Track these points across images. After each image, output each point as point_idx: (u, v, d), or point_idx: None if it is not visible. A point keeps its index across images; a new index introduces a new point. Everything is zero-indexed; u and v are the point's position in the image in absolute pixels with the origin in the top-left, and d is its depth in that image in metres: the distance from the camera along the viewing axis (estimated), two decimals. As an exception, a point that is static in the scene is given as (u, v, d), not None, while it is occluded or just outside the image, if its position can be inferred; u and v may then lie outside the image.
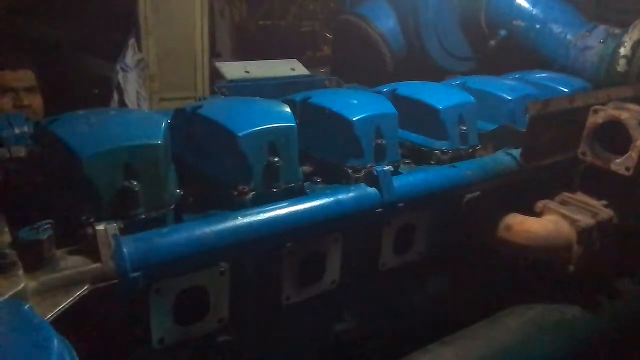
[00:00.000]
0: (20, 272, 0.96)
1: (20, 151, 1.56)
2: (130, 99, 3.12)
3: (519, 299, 1.94)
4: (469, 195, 1.88)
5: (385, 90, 2.07)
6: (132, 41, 3.32)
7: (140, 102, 3.20)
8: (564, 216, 1.88)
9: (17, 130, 1.69)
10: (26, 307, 0.81)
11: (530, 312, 1.91)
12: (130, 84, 3.13)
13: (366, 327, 1.82)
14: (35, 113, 2.58)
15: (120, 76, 3.14)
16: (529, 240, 1.83)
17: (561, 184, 2.01)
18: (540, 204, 1.94)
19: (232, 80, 2.42)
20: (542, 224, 1.88)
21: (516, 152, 1.92)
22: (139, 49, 3.38)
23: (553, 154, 1.96)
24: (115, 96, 3.12)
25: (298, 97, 1.83)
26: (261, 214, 1.37)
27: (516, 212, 1.89)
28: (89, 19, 3.77)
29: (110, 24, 3.75)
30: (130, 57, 3.22)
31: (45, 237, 1.04)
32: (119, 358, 1.36)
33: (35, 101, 2.59)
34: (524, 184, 1.97)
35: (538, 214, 1.93)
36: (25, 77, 2.60)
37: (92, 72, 3.65)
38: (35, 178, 1.39)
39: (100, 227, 1.12)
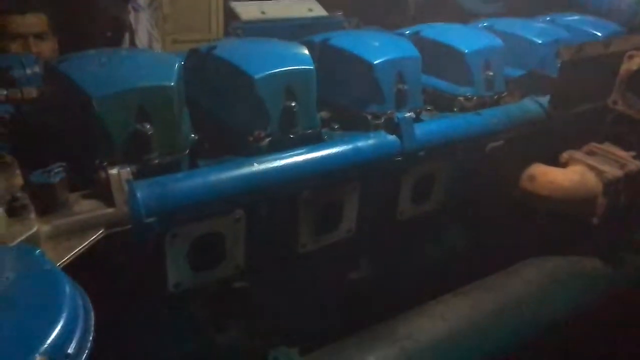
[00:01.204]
0: (33, 215, 0.94)
1: (32, 92, 1.52)
2: (141, 40, 3.02)
3: (539, 250, 1.91)
4: (492, 144, 1.82)
5: (407, 32, 1.97)
6: (144, -21, 3.19)
7: (152, 43, 3.11)
8: (590, 167, 1.82)
9: (28, 71, 1.64)
10: (37, 252, 0.79)
11: (548, 264, 1.88)
12: (142, 24, 3.03)
13: (382, 277, 1.81)
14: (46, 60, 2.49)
15: (131, 16, 3.03)
16: (553, 192, 1.78)
17: (589, 135, 1.93)
18: (565, 154, 1.88)
19: (247, 21, 2.33)
20: (567, 175, 1.82)
21: (544, 99, 1.84)
22: (152, -13, 3.26)
23: (583, 102, 1.88)
24: (127, 37, 3.02)
25: (317, 38, 1.75)
26: (277, 161, 1.33)
27: (540, 162, 1.83)
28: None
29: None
30: (142, -4, 3.10)
31: (57, 180, 1.01)
32: (134, 302, 1.37)
33: (45, 48, 2.46)
34: (550, 133, 1.89)
35: (563, 165, 1.87)
36: (35, 21, 2.46)
37: (106, 13, 3.54)
38: (47, 120, 1.35)
39: (114, 171, 1.09)
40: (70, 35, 3.07)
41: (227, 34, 2.30)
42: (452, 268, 1.98)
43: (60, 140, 1.27)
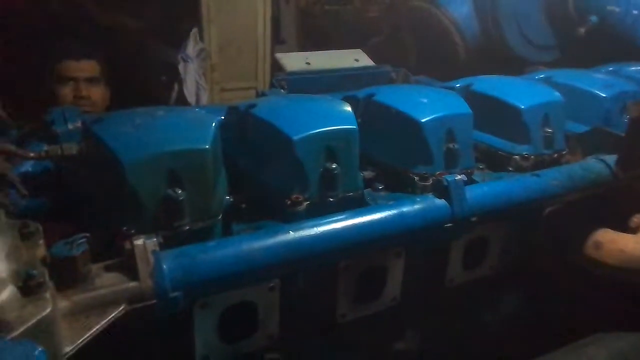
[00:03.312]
0: (48, 294, 0.87)
1: (73, 149, 1.50)
2: (189, 89, 3.08)
3: (606, 326, 1.71)
4: (552, 207, 1.67)
5: (458, 85, 1.87)
6: (194, 31, 3.26)
7: (200, 92, 3.16)
8: (665, 234, 1.63)
9: (70, 126, 1.63)
10: (37, 351, 0.72)
11: (620, 343, 1.67)
12: (190, 74, 3.09)
13: (429, 349, 1.66)
14: (94, 104, 2.56)
15: (180, 66, 3.10)
16: (622, 262, 1.60)
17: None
18: (636, 219, 1.69)
19: (292, 72, 2.30)
20: (639, 243, 1.64)
21: (610, 158, 1.68)
22: (201, 38, 3.33)
23: (655, 161, 1.70)
24: (176, 87, 3.08)
25: (361, 93, 1.67)
26: (315, 228, 1.23)
27: (607, 228, 1.66)
28: (157, 8, 3.77)
29: (178, 13, 3.73)
30: (191, 47, 3.17)
31: (80, 253, 0.96)
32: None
33: (96, 92, 2.56)
34: (617, 195, 1.72)
35: (634, 230, 1.68)
36: (87, 67, 2.58)
37: (160, 60, 3.65)
38: (81, 180, 1.32)
39: (139, 242, 1.03)
40: (126, 81, 3.16)
41: (272, 85, 2.27)
42: (508, 340, 1.81)
43: (92, 203, 1.23)
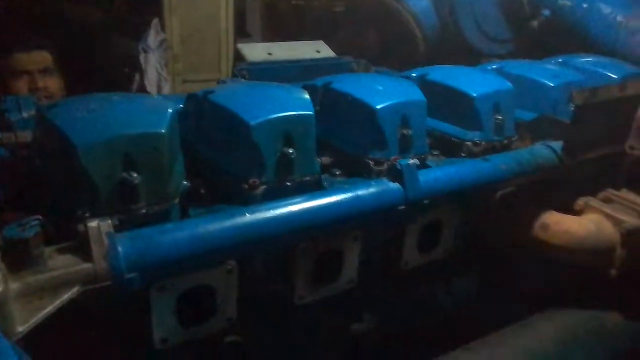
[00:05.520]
0: (0, 275, 0.88)
1: (27, 136, 1.49)
2: (150, 80, 3.05)
3: (554, 303, 1.80)
4: (502, 191, 1.74)
5: (414, 75, 1.92)
6: (155, 21, 3.23)
7: (161, 83, 3.13)
8: (607, 216, 1.72)
9: (25, 114, 1.62)
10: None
11: (566, 319, 1.76)
12: (151, 65, 3.06)
13: (386, 330, 1.71)
14: (52, 96, 2.52)
15: (141, 57, 3.06)
16: (567, 242, 1.69)
17: (605, 181, 1.84)
18: (581, 202, 1.78)
19: (253, 63, 2.31)
20: (583, 224, 1.72)
21: (557, 144, 1.76)
22: (163, 29, 3.29)
23: (598, 147, 1.79)
24: (137, 77, 3.04)
25: (319, 81, 1.70)
26: (271, 210, 1.26)
27: (554, 210, 1.74)
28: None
29: (139, 4, 3.69)
30: (152, 37, 3.13)
31: (32, 235, 0.96)
32: None
33: (52, 83, 2.52)
34: (563, 179, 1.81)
35: (578, 213, 1.77)
36: (40, 58, 2.53)
37: (122, 52, 3.60)
38: (35, 166, 1.31)
39: (93, 223, 1.03)
40: (88, 73, 3.11)
41: (233, 75, 2.28)
42: (462, 320, 1.88)
43: (47, 189, 1.22)
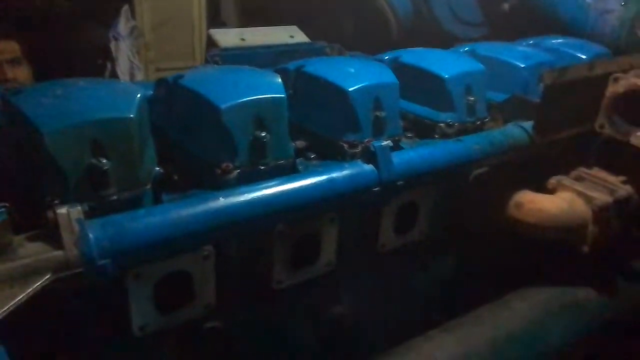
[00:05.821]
0: (-34, 263, 0.86)
1: (-7, 125, 1.45)
2: (122, 68, 2.99)
3: (528, 281, 1.83)
4: (476, 171, 1.76)
5: (387, 58, 1.92)
6: (125, 8, 3.16)
7: (134, 71, 3.07)
8: (579, 193, 1.76)
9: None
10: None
11: (540, 296, 1.80)
12: (123, 53, 3.00)
13: (364, 312, 1.72)
14: (21, 85, 2.46)
15: (112, 45, 3.00)
16: (541, 220, 1.72)
17: (576, 159, 1.87)
18: (553, 181, 1.81)
19: (226, 48, 2.28)
20: (555, 202, 1.75)
21: (528, 124, 1.78)
22: (133, 16, 3.23)
23: (568, 126, 1.82)
24: (108, 66, 2.99)
25: (292, 65, 1.69)
26: (245, 194, 1.25)
27: (527, 189, 1.77)
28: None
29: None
30: (123, 25, 3.07)
31: (-1, 222, 0.94)
32: (97, 349, 1.28)
33: (21, 73, 2.47)
34: (536, 159, 1.84)
35: (551, 191, 1.80)
36: (8, 48, 2.48)
37: (92, 40, 3.52)
38: (3, 154, 1.28)
39: (62, 210, 1.01)
40: (59, 62, 3.04)
41: (205, 61, 2.25)
42: (439, 300, 1.90)
43: (13, 177, 1.20)
